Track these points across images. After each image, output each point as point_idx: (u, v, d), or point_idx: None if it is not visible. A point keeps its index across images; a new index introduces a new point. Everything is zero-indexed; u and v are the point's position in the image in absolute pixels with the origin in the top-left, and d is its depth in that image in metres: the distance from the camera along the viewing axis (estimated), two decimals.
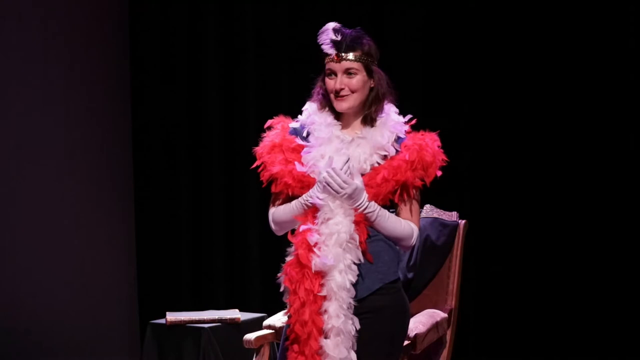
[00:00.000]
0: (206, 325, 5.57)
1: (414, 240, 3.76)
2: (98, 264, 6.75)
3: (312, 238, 3.65)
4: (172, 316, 5.67)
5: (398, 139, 3.76)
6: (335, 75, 3.75)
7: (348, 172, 3.66)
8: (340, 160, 3.68)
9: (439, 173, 3.74)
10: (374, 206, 3.68)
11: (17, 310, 6.40)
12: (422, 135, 3.78)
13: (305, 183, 3.73)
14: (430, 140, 3.76)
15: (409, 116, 3.82)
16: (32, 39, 6.48)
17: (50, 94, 6.57)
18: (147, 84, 6.84)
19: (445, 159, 3.76)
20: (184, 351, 5.59)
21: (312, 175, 3.73)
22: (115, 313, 6.84)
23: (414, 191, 3.74)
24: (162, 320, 5.70)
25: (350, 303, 3.65)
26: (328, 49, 3.75)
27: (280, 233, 3.82)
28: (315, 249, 3.64)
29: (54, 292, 6.55)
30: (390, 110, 3.81)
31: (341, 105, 3.76)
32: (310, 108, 3.84)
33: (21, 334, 6.40)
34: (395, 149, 3.74)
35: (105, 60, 6.83)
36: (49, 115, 6.56)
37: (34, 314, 6.46)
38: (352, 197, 3.65)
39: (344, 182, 3.64)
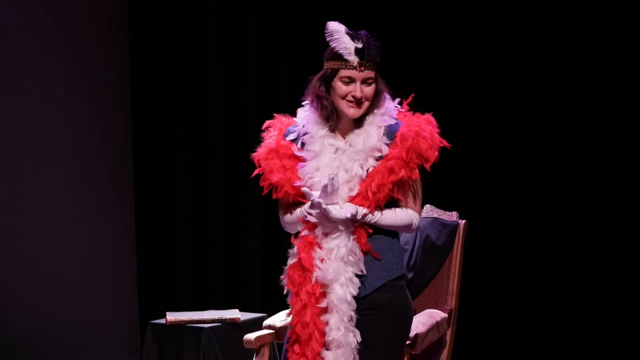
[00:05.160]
0: (206, 325, 5.57)
1: (414, 225, 3.78)
2: (98, 264, 6.75)
3: (315, 254, 3.67)
4: (172, 316, 5.67)
5: (390, 127, 3.75)
6: (353, 81, 3.73)
7: (333, 189, 3.65)
8: (326, 177, 3.68)
9: (437, 154, 3.72)
10: (368, 214, 3.69)
11: (17, 310, 6.40)
12: (418, 117, 3.77)
13: (303, 193, 3.74)
14: (426, 123, 3.75)
15: (397, 100, 3.81)
16: (32, 39, 6.47)
17: (50, 95, 6.56)
18: (147, 84, 6.84)
19: (442, 140, 3.74)
20: (184, 351, 5.59)
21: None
22: (115, 313, 6.84)
23: (411, 182, 3.74)
24: (162, 320, 5.70)
25: (351, 315, 3.67)
26: (348, 55, 3.70)
27: (292, 232, 3.84)
28: (317, 261, 3.67)
29: (54, 292, 6.55)
30: (384, 101, 3.79)
31: (354, 112, 3.74)
32: (305, 114, 3.82)
33: (21, 334, 6.40)
34: (386, 144, 3.73)
35: (105, 60, 6.83)
36: (49, 116, 6.56)
37: (34, 314, 6.45)
38: (344, 221, 3.67)
39: (337, 212, 3.65)
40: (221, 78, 6.77)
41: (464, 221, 4.74)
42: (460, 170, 6.37)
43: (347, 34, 3.72)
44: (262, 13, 6.73)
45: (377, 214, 3.70)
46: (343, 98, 3.73)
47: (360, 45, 3.70)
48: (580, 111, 6.32)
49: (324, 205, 3.64)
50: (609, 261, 6.29)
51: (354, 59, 3.71)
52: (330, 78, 3.75)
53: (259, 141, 3.87)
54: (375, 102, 3.76)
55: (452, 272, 4.71)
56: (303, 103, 3.85)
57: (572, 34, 6.30)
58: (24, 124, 6.45)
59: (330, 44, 3.72)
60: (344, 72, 3.73)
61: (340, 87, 3.74)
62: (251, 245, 6.75)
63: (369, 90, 3.73)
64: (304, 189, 3.70)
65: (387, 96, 3.80)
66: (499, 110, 6.43)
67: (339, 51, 3.70)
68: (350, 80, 3.73)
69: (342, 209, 3.66)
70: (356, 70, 3.71)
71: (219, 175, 6.79)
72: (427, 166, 3.71)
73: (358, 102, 3.72)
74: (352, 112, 3.74)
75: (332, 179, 3.64)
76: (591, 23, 6.28)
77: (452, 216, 4.75)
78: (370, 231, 3.72)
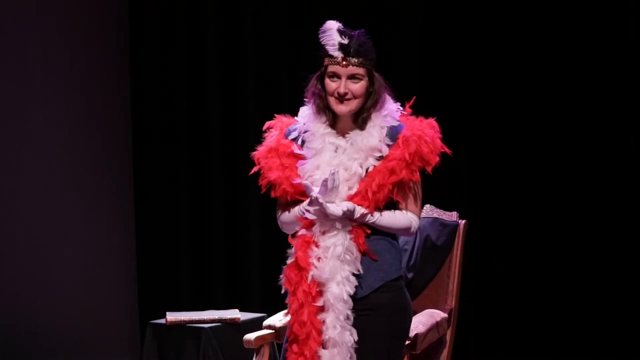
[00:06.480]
0: (206, 325, 5.57)
1: (413, 228, 3.77)
2: (98, 264, 6.75)
3: (312, 253, 3.67)
4: (172, 316, 5.67)
5: (392, 129, 3.75)
6: (339, 77, 3.73)
7: (334, 185, 3.66)
8: (326, 172, 3.68)
9: (438, 159, 3.73)
10: (366, 215, 3.69)
11: (17, 310, 6.40)
12: (421, 121, 3.78)
13: (303, 191, 3.74)
14: (429, 128, 3.76)
15: (399, 106, 3.81)
16: (32, 39, 6.47)
17: (50, 95, 6.56)
18: (148, 85, 6.84)
19: (443, 146, 3.75)
20: (184, 351, 5.59)
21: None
22: (115, 313, 6.85)
23: (412, 184, 3.74)
24: (162, 320, 5.70)
25: (347, 314, 3.67)
26: (333, 50, 3.71)
27: (289, 233, 3.84)
28: (313, 260, 3.67)
29: (55, 292, 6.55)
30: (384, 103, 3.79)
31: (343, 109, 3.74)
32: (306, 113, 3.82)
33: (21, 334, 6.39)
34: (388, 145, 3.73)
35: (106, 60, 6.83)
36: (49, 116, 6.56)
37: (34, 314, 6.45)
38: (345, 216, 3.67)
39: (334, 209, 3.65)
40: (221, 77, 6.77)
41: (464, 221, 4.74)
42: (460, 171, 6.37)
43: (338, 30, 3.73)
44: (263, 13, 6.73)
45: (376, 214, 3.70)
46: (331, 95, 3.74)
47: (345, 41, 3.70)
48: (580, 111, 6.32)
49: (320, 200, 3.64)
50: (609, 261, 6.29)
51: (338, 54, 3.71)
52: (323, 75, 3.77)
53: (259, 141, 3.87)
54: (370, 102, 3.75)
55: (452, 272, 4.71)
56: (305, 101, 3.86)
57: (572, 34, 6.30)
58: (24, 124, 6.45)
59: (320, 39, 3.74)
60: (330, 68, 3.74)
61: (328, 83, 3.75)
62: (251, 245, 6.75)
63: (356, 87, 3.73)
64: (304, 182, 3.70)
65: (389, 98, 3.80)
66: (499, 110, 6.43)
67: (325, 46, 3.72)
68: (336, 76, 3.73)
69: (338, 206, 3.66)
70: (340, 65, 3.72)
71: (219, 175, 6.80)
72: (429, 169, 3.72)
73: (341, 98, 3.72)
74: (339, 109, 3.74)
75: (333, 174, 3.65)
76: (591, 25, 6.27)
77: (452, 216, 4.75)
78: (368, 232, 3.72)
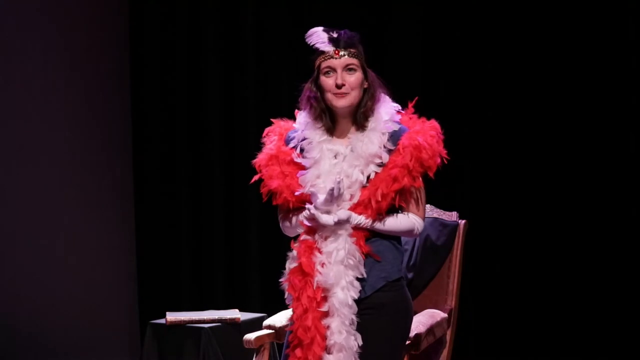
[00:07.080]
0: (206, 325, 5.57)
1: (417, 230, 3.78)
2: (98, 264, 6.75)
3: (316, 259, 3.67)
4: (172, 316, 5.67)
5: (394, 134, 3.75)
6: (334, 71, 3.73)
7: (339, 192, 3.65)
8: (330, 181, 3.68)
9: (439, 161, 3.73)
10: (365, 220, 3.69)
11: (17, 310, 6.40)
12: (423, 123, 3.78)
13: (304, 199, 3.74)
14: (430, 130, 3.75)
15: (398, 106, 3.81)
16: (32, 39, 6.47)
17: (50, 95, 6.56)
18: (148, 85, 6.84)
19: (444, 151, 3.75)
20: (184, 351, 5.59)
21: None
22: (115, 313, 6.84)
23: (414, 189, 3.74)
24: (162, 320, 5.70)
25: (352, 319, 3.67)
26: (325, 46, 3.73)
27: (292, 236, 3.84)
28: (317, 266, 3.67)
29: (55, 292, 6.55)
30: (382, 102, 3.78)
31: (341, 102, 3.74)
32: (303, 120, 3.82)
33: (22, 334, 6.40)
34: (390, 149, 3.73)
35: (106, 61, 6.83)
36: (49, 117, 6.56)
37: (35, 314, 6.46)
38: (340, 225, 3.67)
39: (326, 218, 3.66)
40: (221, 79, 6.77)
41: (464, 221, 4.74)
42: (460, 170, 6.37)
43: (324, 30, 3.75)
44: (263, 13, 6.73)
45: (378, 223, 3.70)
46: (328, 91, 3.74)
47: (335, 35, 3.73)
48: (580, 111, 6.32)
49: (312, 211, 3.65)
50: (609, 261, 6.29)
51: (330, 48, 3.73)
52: (317, 76, 3.77)
53: (258, 143, 3.87)
54: (366, 97, 3.75)
55: (452, 272, 4.71)
56: (300, 111, 3.85)
57: (572, 34, 6.30)
58: (24, 124, 6.45)
59: (309, 42, 3.75)
60: (324, 64, 3.75)
61: (324, 81, 3.75)
62: (251, 245, 6.75)
63: (352, 79, 3.73)
64: (311, 189, 3.70)
65: (386, 97, 3.80)
66: (499, 110, 6.43)
67: (316, 45, 3.73)
68: (332, 70, 3.74)
69: (330, 215, 3.66)
70: (334, 58, 3.73)
71: (219, 176, 6.79)
72: (431, 174, 3.72)
73: (340, 88, 3.71)
74: (339, 103, 3.73)
75: (339, 182, 3.65)
76: (591, 25, 6.28)
77: (452, 216, 4.75)
78: (367, 234, 3.73)
